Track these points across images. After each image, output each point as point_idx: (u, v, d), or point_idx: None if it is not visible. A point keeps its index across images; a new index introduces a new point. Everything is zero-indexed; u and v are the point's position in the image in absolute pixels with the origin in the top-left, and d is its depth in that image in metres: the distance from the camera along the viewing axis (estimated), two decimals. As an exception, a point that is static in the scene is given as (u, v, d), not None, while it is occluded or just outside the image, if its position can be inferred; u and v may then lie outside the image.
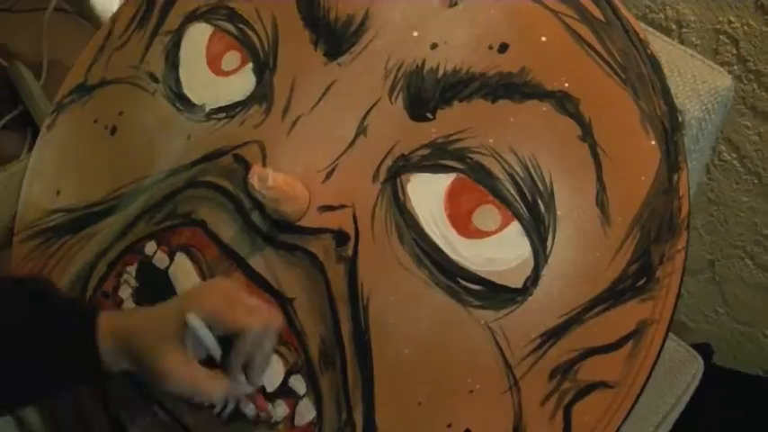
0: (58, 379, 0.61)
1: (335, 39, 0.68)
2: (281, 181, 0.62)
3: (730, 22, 0.87)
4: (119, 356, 0.60)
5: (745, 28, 0.87)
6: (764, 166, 0.97)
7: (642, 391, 0.57)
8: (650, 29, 0.65)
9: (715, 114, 0.64)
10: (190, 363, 0.58)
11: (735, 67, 0.90)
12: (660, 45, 0.64)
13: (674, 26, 0.93)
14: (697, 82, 0.63)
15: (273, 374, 0.64)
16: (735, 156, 0.99)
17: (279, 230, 0.65)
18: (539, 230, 0.60)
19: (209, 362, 0.59)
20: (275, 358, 0.64)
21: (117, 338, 0.60)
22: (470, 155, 0.62)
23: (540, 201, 0.60)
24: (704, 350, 0.81)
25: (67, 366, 0.60)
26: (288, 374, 0.63)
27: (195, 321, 0.57)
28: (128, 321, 0.61)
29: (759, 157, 0.97)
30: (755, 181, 1.00)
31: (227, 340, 0.59)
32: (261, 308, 0.60)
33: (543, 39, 0.64)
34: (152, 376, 0.58)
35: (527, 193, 0.60)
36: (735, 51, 0.89)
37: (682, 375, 0.69)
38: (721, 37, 0.89)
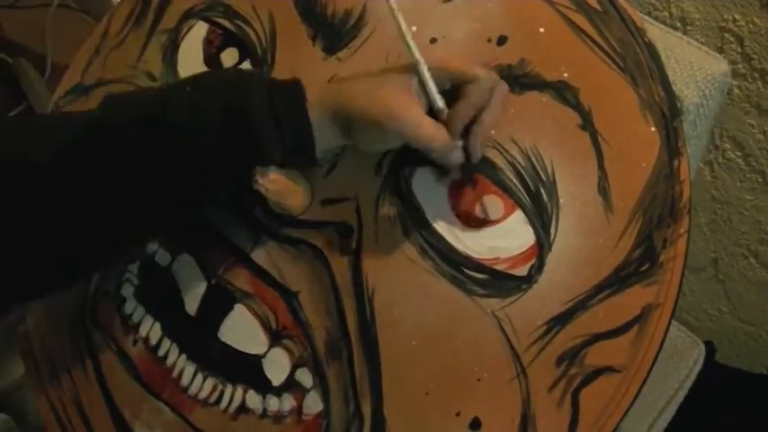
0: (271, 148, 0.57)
1: (334, 34, 0.69)
2: (283, 175, 0.62)
3: (735, 20, 0.88)
4: (323, 125, 0.57)
5: (750, 26, 0.87)
6: (769, 164, 0.99)
7: (648, 374, 0.58)
8: (647, 17, 0.66)
9: (712, 100, 0.65)
10: (416, 104, 0.56)
11: (739, 66, 0.91)
12: (657, 33, 0.65)
13: (678, 24, 0.94)
14: (694, 68, 0.64)
15: (279, 368, 0.64)
16: (739, 154, 1.00)
17: (282, 225, 0.65)
18: (542, 218, 0.60)
19: None
20: (281, 352, 0.64)
21: (328, 94, 0.57)
22: (472, 146, 0.62)
23: (542, 189, 0.61)
24: (707, 348, 0.82)
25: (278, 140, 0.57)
26: (294, 368, 0.63)
27: (424, 67, 0.55)
28: (332, 87, 0.59)
29: (763, 156, 0.98)
30: (760, 179, 1.01)
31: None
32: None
33: (541, 30, 0.64)
34: (376, 118, 0.55)
35: (529, 183, 0.61)
36: (739, 49, 0.90)
37: (684, 361, 0.70)
38: (726, 35, 0.90)
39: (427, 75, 0.56)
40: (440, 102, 0.57)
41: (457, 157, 0.59)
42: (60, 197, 0.55)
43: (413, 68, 0.56)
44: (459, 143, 0.58)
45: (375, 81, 0.58)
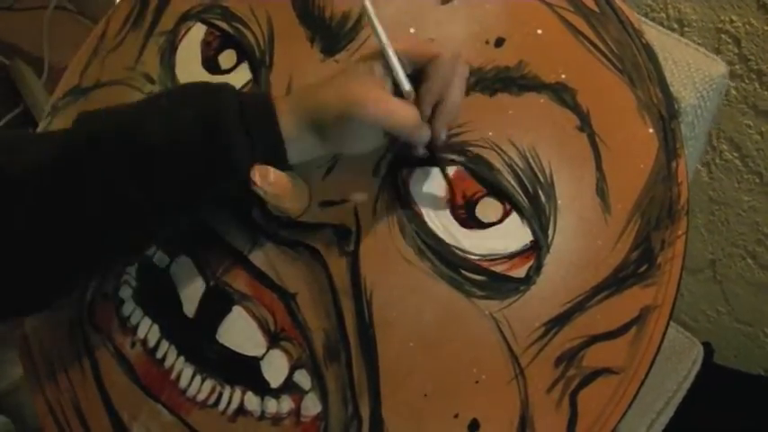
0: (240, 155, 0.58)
1: (332, 36, 0.69)
2: (282, 177, 0.62)
3: (732, 22, 0.88)
4: (299, 123, 0.58)
5: (747, 27, 0.88)
6: (766, 165, 0.99)
7: (647, 376, 0.58)
8: (644, 18, 0.66)
9: (710, 102, 0.65)
10: (384, 88, 0.57)
11: (736, 67, 0.91)
12: (654, 34, 0.65)
13: (675, 25, 0.94)
14: (692, 70, 0.64)
15: (278, 370, 0.64)
16: (736, 155, 1.00)
17: (280, 226, 0.65)
18: (540, 220, 0.60)
19: None
20: (279, 353, 0.64)
21: (295, 102, 0.58)
22: (470, 148, 0.62)
23: (540, 191, 0.61)
24: (705, 349, 0.82)
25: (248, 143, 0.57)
26: (292, 370, 0.63)
27: (390, 50, 0.56)
28: (300, 92, 0.60)
29: (760, 157, 0.98)
30: (757, 180, 1.01)
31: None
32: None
33: (539, 32, 0.65)
34: (344, 110, 0.55)
35: (527, 184, 0.61)
36: (736, 51, 0.90)
37: (682, 362, 0.70)
38: (723, 36, 0.90)
39: (393, 58, 0.56)
40: (407, 84, 0.57)
41: (426, 135, 0.59)
42: (35, 212, 0.56)
43: (376, 55, 0.57)
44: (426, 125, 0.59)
45: (339, 77, 0.58)
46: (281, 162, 0.59)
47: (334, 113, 0.56)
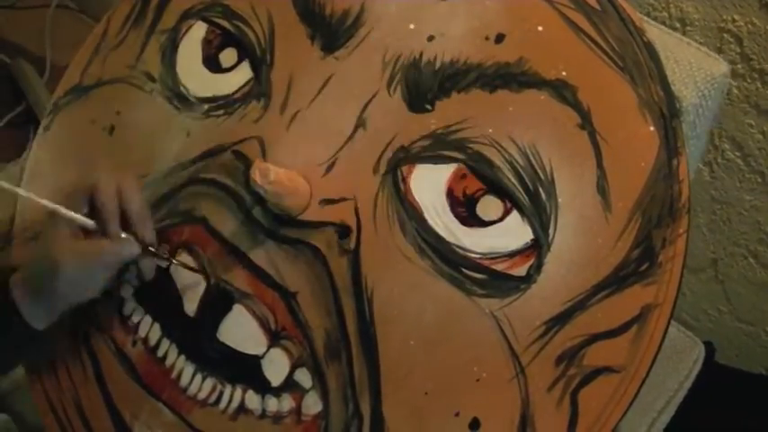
0: None
1: (332, 33, 0.69)
2: (282, 176, 0.62)
3: (734, 21, 0.88)
4: (30, 299, 0.62)
5: (749, 26, 0.87)
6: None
7: (647, 375, 0.57)
8: (646, 18, 0.66)
9: (712, 101, 0.64)
10: (71, 236, 0.62)
11: (738, 66, 0.91)
12: (656, 33, 0.64)
13: (677, 24, 0.93)
14: (693, 69, 0.64)
15: (278, 368, 0.64)
16: (738, 154, 1.00)
17: (281, 225, 0.65)
18: (540, 218, 0.60)
19: None
20: (280, 352, 0.64)
21: (22, 282, 0.63)
22: (470, 145, 0.62)
23: (540, 189, 0.60)
24: (707, 348, 0.82)
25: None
26: (293, 368, 0.63)
27: (58, 208, 0.61)
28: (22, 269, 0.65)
29: (762, 156, 0.98)
30: (759, 179, 1.01)
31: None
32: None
33: (539, 28, 0.64)
34: (51, 271, 0.61)
35: (528, 182, 0.61)
36: (738, 50, 0.90)
37: (684, 361, 0.70)
38: (725, 35, 0.90)
39: (66, 212, 0.61)
40: (84, 220, 0.62)
41: (132, 248, 0.63)
42: None
43: (51, 215, 0.62)
44: (127, 237, 0.63)
45: (36, 246, 0.66)
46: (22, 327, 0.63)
47: (44, 278, 0.61)
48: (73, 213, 0.61)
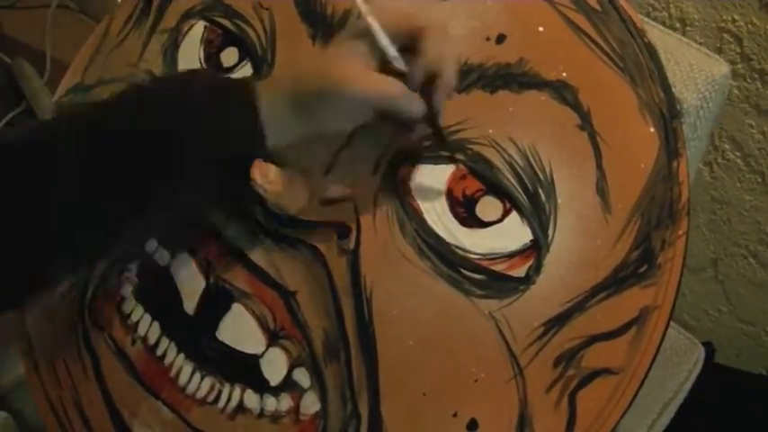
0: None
1: (333, 33, 0.69)
2: (282, 175, 0.62)
3: (734, 21, 0.88)
4: (278, 101, 0.56)
5: (749, 26, 0.87)
6: (768, 164, 0.99)
7: (646, 376, 0.57)
8: (646, 18, 0.66)
9: (712, 102, 0.64)
10: (363, 63, 0.55)
11: (739, 66, 0.90)
12: (656, 34, 0.64)
13: (677, 24, 0.93)
14: (694, 70, 0.64)
15: (277, 368, 0.64)
16: (738, 154, 1.00)
17: (280, 225, 0.65)
18: (540, 219, 0.60)
19: None
20: (278, 351, 0.64)
21: (276, 81, 0.58)
22: (470, 145, 0.62)
23: (540, 189, 0.60)
24: (706, 349, 0.82)
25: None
26: (291, 368, 0.63)
27: (375, 22, 0.54)
28: (283, 74, 0.59)
29: (762, 156, 0.98)
30: (759, 179, 1.01)
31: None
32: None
33: (540, 29, 0.64)
34: (327, 88, 0.55)
35: (527, 183, 0.61)
36: (738, 50, 0.90)
37: (683, 363, 0.70)
38: (725, 35, 0.90)
39: (380, 33, 0.55)
40: (392, 50, 0.55)
41: (417, 107, 0.57)
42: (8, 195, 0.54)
43: (362, 32, 0.55)
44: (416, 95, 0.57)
45: (321, 57, 0.57)
46: (260, 143, 0.57)
47: (314, 90, 0.55)
48: (390, 45, 0.55)
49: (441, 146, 0.62)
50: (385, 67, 0.56)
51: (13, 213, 0.53)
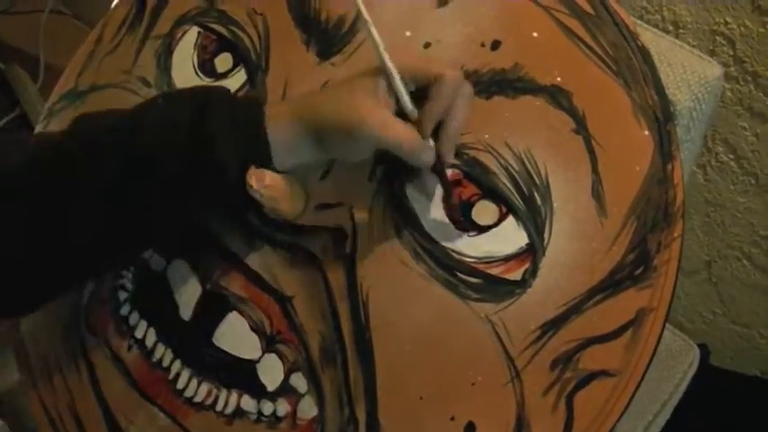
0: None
1: (328, 39, 0.69)
2: (278, 180, 0.62)
3: (727, 23, 0.88)
4: (294, 137, 0.58)
5: (742, 29, 0.88)
6: (761, 167, 0.99)
7: (643, 378, 0.58)
8: (639, 21, 0.66)
9: (705, 104, 0.65)
10: (384, 107, 0.56)
11: (732, 69, 0.91)
12: (650, 36, 0.65)
13: (670, 27, 0.94)
14: (687, 72, 0.64)
15: (274, 373, 0.64)
16: (732, 157, 1.00)
17: (276, 229, 0.65)
18: (536, 222, 0.60)
19: None
20: (275, 356, 0.64)
21: (296, 107, 0.58)
22: (466, 150, 0.62)
23: (536, 193, 0.61)
24: (701, 351, 0.82)
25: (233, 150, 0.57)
26: (288, 373, 0.63)
27: (393, 70, 0.55)
28: (301, 99, 0.60)
29: (756, 158, 0.98)
30: (752, 182, 1.01)
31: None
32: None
33: (534, 34, 0.65)
34: (345, 125, 0.55)
35: (523, 187, 0.61)
36: (731, 53, 0.90)
37: (678, 364, 0.70)
38: (718, 38, 0.90)
39: (396, 77, 0.56)
40: (409, 103, 0.57)
41: (428, 156, 0.58)
42: (25, 212, 0.56)
43: (379, 72, 0.56)
44: (431, 143, 0.58)
45: (342, 89, 0.58)
46: (266, 164, 0.58)
47: (334, 127, 0.56)
48: (403, 88, 0.56)
49: (447, 202, 0.62)
50: (398, 106, 0.57)
51: (50, 225, 0.56)
